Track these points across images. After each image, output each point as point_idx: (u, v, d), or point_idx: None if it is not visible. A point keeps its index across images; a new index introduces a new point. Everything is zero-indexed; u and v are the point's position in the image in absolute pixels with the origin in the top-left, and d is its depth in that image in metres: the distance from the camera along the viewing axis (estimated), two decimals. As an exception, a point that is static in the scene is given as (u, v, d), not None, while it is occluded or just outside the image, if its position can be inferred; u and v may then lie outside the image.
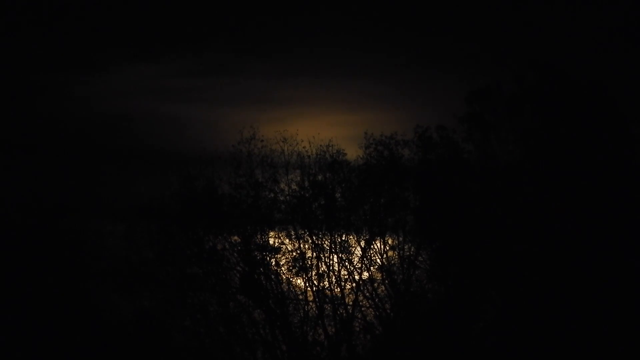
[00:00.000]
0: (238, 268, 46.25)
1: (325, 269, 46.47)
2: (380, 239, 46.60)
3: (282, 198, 46.59)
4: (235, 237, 46.32)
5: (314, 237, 46.27)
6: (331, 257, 46.53)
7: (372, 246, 46.59)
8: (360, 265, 46.58)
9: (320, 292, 46.03)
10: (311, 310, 46.09)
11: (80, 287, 47.53)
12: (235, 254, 46.23)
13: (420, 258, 46.56)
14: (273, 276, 46.03)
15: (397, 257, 46.52)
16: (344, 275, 46.52)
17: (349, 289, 46.41)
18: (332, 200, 46.43)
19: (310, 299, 46.23)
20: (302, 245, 46.32)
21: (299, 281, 46.47)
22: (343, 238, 46.45)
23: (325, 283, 46.34)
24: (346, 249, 46.49)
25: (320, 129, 48.00)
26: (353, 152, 47.09)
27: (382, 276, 46.45)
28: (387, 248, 46.69)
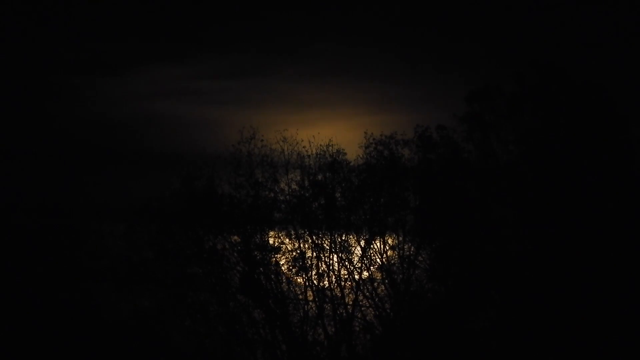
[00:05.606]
0: (238, 268, 46.10)
1: (325, 269, 46.35)
2: (380, 238, 46.50)
3: (282, 198, 46.47)
4: (235, 237, 46.16)
5: (314, 237, 46.16)
6: (331, 256, 46.42)
7: (372, 246, 46.49)
8: (360, 265, 46.47)
9: (320, 292, 45.89)
10: (311, 310, 45.96)
11: (80, 287, 47.48)
12: (235, 254, 46.09)
13: (420, 258, 46.45)
14: (273, 276, 45.89)
15: (397, 256, 46.40)
16: (344, 275, 46.44)
17: (348, 289, 46.30)
18: (332, 199, 46.30)
19: (310, 298, 46.08)
20: (302, 245, 46.21)
21: (299, 281, 46.33)
22: (343, 238, 46.33)
23: (325, 283, 46.21)
24: (346, 249, 46.37)
25: (342, 132, 48.18)
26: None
27: (382, 276, 46.35)
28: (387, 248, 46.58)
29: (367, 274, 46.57)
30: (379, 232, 46.33)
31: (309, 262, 46.09)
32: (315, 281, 46.10)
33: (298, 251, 46.10)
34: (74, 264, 47.94)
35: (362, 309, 46.29)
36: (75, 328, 46.51)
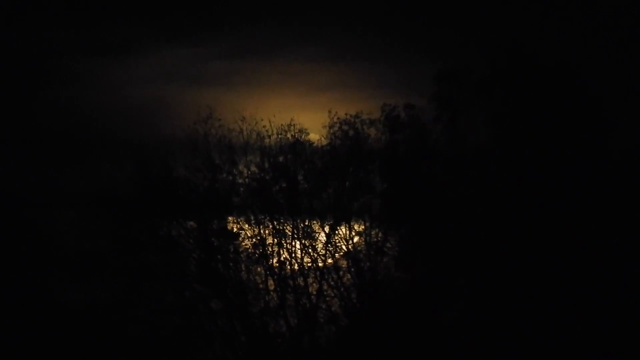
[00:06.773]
0: (194, 255, 44.44)
1: (287, 256, 44.50)
2: (345, 224, 44.69)
3: (240, 181, 44.67)
4: (192, 223, 44.49)
5: (275, 222, 44.33)
6: (293, 243, 44.55)
7: (336, 232, 44.72)
8: (324, 252, 44.68)
9: (281, 281, 44.08)
10: (272, 300, 44.22)
11: (35, 278, 45.97)
12: (191, 241, 44.47)
13: (387, 245, 44.81)
14: (231, 264, 44.12)
15: (363, 243, 44.71)
16: (307, 262, 44.61)
17: (312, 278, 44.44)
18: (294, 183, 44.51)
19: (272, 288, 44.35)
20: (262, 231, 44.41)
21: (259, 269, 44.53)
22: (306, 223, 44.53)
23: (287, 271, 44.35)
24: (309, 235, 44.54)
25: (306, 111, 46.90)
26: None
27: (347, 264, 44.60)
28: (353, 234, 44.90)
29: (331, 261, 45.08)
30: (344, 218, 44.54)
31: (270, 249, 44.30)
32: (276, 269, 44.27)
33: (258, 237, 44.27)
34: (27, 253, 46.33)
35: (327, 299, 44.56)
36: (29, 318, 44.93)
